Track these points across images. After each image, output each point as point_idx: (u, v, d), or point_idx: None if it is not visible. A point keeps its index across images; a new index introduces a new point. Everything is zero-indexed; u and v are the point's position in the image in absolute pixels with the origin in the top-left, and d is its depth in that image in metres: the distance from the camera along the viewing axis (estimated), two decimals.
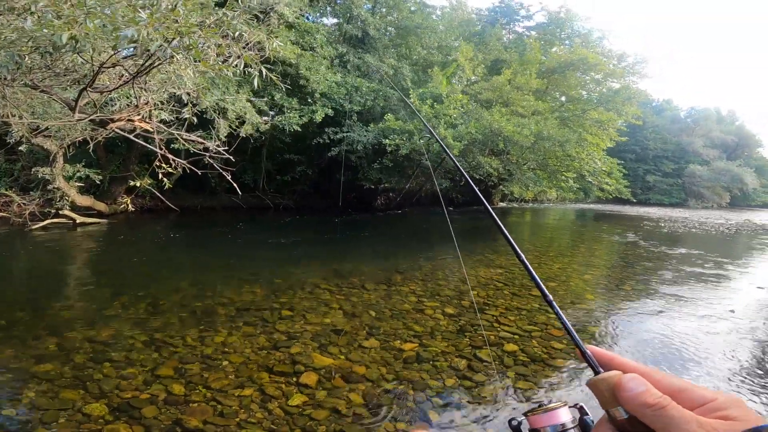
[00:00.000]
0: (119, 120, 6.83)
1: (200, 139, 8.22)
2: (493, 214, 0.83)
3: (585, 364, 0.53)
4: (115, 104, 6.83)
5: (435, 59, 18.49)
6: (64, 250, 8.68)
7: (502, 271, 7.30)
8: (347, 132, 14.16)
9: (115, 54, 4.31)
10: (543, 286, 0.65)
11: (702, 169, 44.01)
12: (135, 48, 3.54)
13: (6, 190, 11.05)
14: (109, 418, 2.68)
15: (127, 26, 2.97)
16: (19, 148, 8.78)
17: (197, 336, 3.99)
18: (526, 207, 28.92)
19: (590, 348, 0.53)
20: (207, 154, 8.04)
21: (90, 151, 8.62)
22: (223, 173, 7.23)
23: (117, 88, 4.97)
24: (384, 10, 17.52)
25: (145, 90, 6.08)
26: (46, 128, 7.39)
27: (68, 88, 5.49)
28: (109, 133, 7.21)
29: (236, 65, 3.74)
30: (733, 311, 5.56)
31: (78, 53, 3.66)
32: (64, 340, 3.77)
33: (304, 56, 13.09)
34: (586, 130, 19.83)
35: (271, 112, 13.06)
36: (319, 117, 13.33)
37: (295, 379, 3.26)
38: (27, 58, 4.50)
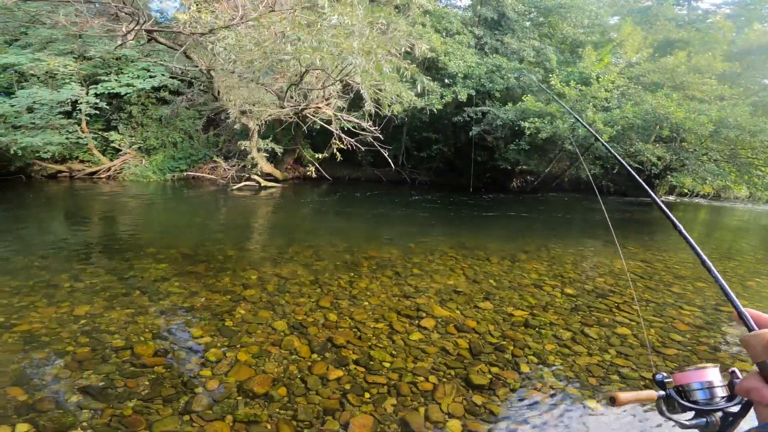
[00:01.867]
0: (311, 108, 8.69)
1: (357, 120, 9.73)
2: (663, 208, 0.87)
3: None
4: (310, 95, 8.63)
5: (586, 39, 16.90)
6: (254, 206, 11.19)
7: (643, 264, 6.95)
8: (488, 109, 14.24)
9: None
10: (726, 287, 0.68)
11: None
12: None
13: (216, 157, 14.49)
14: (287, 332, 3.75)
15: (350, 54, 4.31)
16: (234, 126, 11.57)
17: (347, 280, 5.13)
18: (702, 203, 24.39)
19: (747, 310, 0.59)
20: (363, 132, 9.53)
21: (287, 129, 10.96)
22: (381, 150, 8.59)
23: (323, 88, 6.53)
24: None
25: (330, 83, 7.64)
26: (250, 110, 9.70)
27: (275, 83, 7.34)
28: (292, 117, 9.10)
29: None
30: None
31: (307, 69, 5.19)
32: (261, 274, 5.26)
33: (447, 43, 13.58)
34: None
35: (413, 91, 14.01)
36: (462, 96, 13.74)
37: (417, 321, 4.08)
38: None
